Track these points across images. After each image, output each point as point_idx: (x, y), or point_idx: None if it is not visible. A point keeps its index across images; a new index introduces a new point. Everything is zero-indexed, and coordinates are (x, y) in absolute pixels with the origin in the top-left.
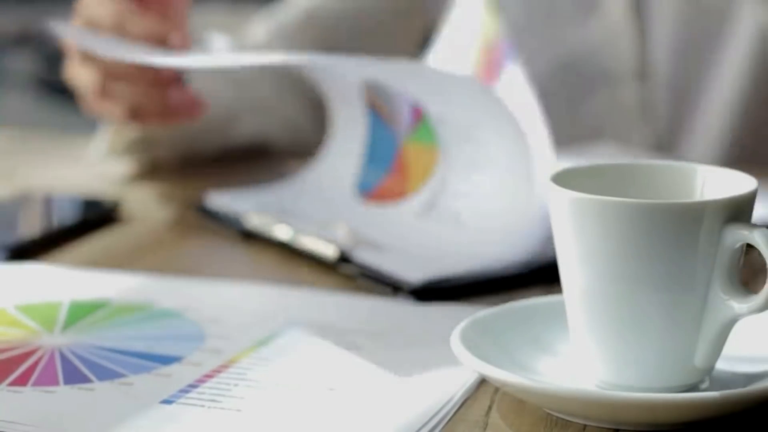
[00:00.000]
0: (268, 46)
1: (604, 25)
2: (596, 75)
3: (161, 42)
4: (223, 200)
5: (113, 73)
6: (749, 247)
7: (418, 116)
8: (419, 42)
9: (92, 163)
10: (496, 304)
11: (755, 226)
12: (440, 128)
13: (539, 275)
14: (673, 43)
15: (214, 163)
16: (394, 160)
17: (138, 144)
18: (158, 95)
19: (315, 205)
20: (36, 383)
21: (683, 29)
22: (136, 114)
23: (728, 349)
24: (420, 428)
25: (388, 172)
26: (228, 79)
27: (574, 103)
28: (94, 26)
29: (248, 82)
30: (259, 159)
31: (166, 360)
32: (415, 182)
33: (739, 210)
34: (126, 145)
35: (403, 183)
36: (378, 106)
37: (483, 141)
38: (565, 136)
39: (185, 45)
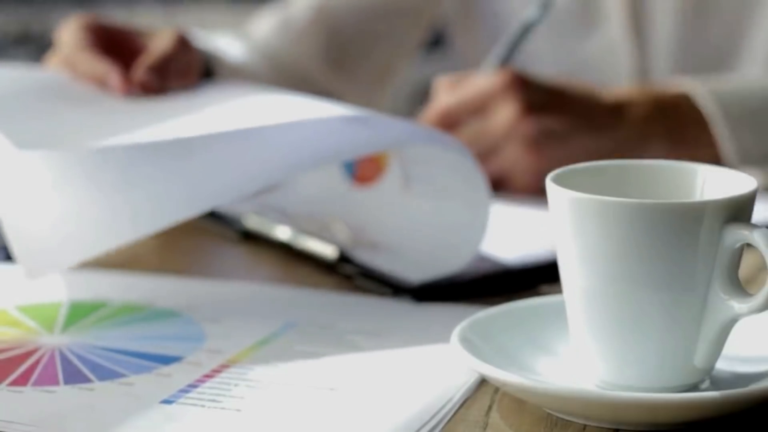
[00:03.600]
0: (274, 40)
1: (603, 39)
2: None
3: (102, 83)
4: None
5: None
6: (749, 247)
7: None
8: (425, 40)
9: None
10: (496, 304)
11: (755, 226)
12: None
13: (539, 275)
14: (672, 58)
15: None
16: None
17: None
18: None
19: (308, 193)
20: (36, 383)
21: (683, 48)
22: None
23: (728, 349)
24: (420, 428)
25: None
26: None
27: None
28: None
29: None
30: None
31: (166, 360)
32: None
33: (739, 210)
34: None
35: (376, 156)
36: None
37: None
38: None
39: (126, 89)
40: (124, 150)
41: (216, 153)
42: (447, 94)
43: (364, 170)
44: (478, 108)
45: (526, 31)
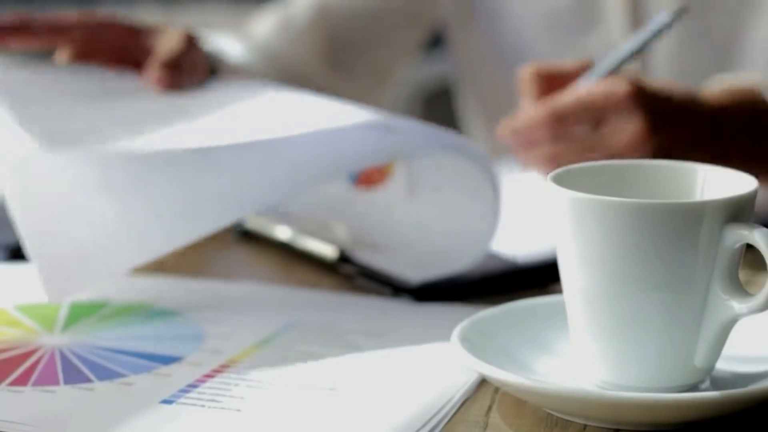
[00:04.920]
0: (274, 40)
1: (603, 38)
2: None
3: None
4: None
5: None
6: (749, 247)
7: None
8: (425, 40)
9: None
10: (496, 304)
11: (755, 226)
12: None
13: (539, 275)
14: (672, 57)
15: None
16: None
17: None
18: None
19: (309, 193)
20: (36, 383)
21: (682, 47)
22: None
23: (728, 349)
24: (420, 428)
25: None
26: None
27: None
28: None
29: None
30: None
31: (166, 360)
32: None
33: (739, 210)
34: None
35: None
36: None
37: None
38: None
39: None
40: (151, 164)
41: (244, 165)
42: (556, 93)
43: (367, 174)
44: (595, 117)
45: (655, 35)
